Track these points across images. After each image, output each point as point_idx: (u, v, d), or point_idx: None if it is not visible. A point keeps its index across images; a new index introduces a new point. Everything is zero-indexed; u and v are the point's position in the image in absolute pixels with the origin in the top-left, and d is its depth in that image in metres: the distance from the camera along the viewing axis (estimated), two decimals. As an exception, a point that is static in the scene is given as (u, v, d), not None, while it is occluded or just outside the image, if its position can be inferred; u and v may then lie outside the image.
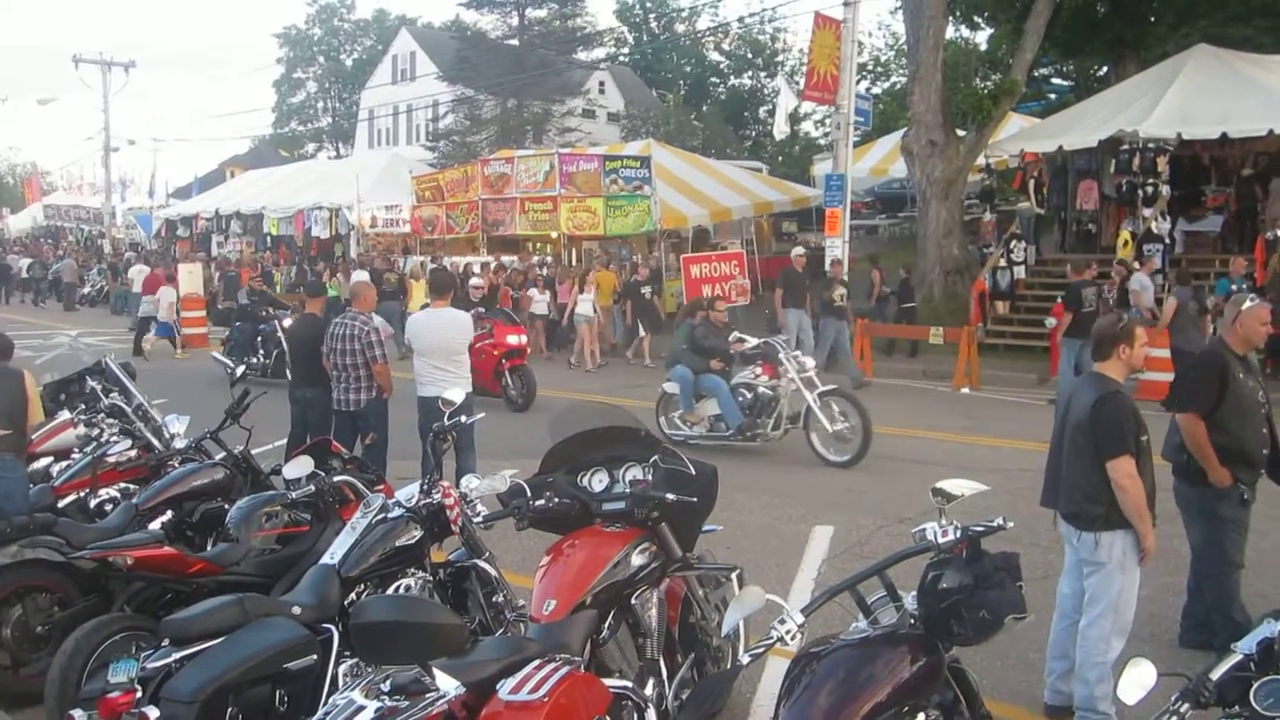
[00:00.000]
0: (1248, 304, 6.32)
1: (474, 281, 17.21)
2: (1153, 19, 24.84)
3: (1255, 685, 3.23)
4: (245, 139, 68.75)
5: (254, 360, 17.33)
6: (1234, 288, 15.41)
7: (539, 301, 21.93)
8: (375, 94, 57.77)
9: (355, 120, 62.49)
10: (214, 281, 28.17)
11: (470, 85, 46.00)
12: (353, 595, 5.16)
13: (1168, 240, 18.98)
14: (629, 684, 4.44)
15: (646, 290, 21.08)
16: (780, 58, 58.54)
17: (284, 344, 14.69)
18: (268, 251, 34.68)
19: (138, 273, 28.89)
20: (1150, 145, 18.62)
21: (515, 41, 47.08)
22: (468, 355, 9.64)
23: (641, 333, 20.44)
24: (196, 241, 38.58)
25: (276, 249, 34.60)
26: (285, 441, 9.67)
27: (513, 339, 15.54)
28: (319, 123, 70.78)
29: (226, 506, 6.45)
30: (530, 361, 16.86)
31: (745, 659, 3.76)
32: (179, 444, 7.79)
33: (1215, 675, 3.35)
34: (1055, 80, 38.07)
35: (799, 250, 19.51)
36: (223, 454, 7.33)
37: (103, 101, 43.01)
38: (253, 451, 7.43)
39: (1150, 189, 18.77)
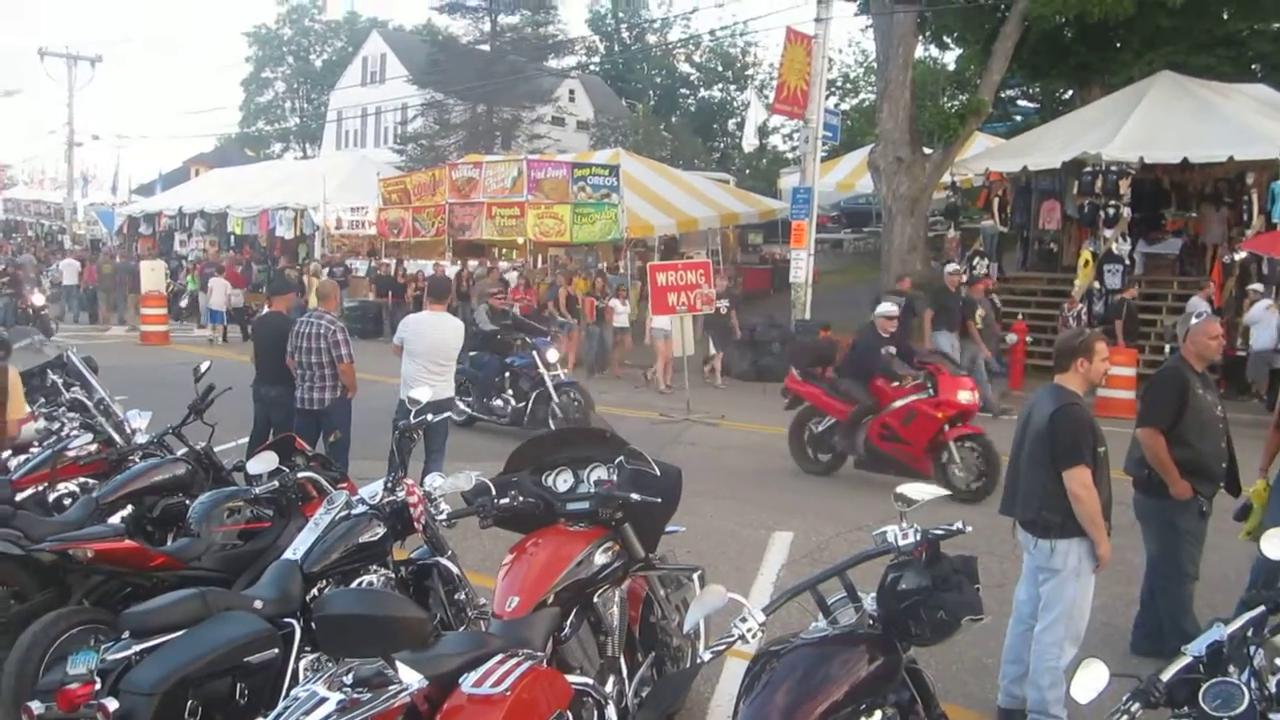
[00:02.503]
0: (1195, 320, 6.46)
1: (885, 309, 11.65)
2: (1118, 45, 25.14)
3: (1204, 687, 3.31)
4: (211, 137, 68.23)
5: (499, 403, 13.74)
6: None
7: (621, 314, 20.23)
8: (344, 95, 57.40)
9: (323, 121, 62.09)
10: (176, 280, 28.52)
11: (440, 89, 45.87)
12: (315, 591, 5.15)
13: (1128, 261, 19.25)
14: (590, 681, 4.48)
15: (723, 305, 18.94)
16: (750, 71, 58.75)
17: (546, 383, 13.16)
18: (232, 251, 34.47)
19: (67, 267, 30.56)
20: (1113, 168, 18.86)
21: (486, 47, 46.94)
22: (454, 360, 9.69)
23: (712, 350, 19.23)
24: (159, 239, 38.25)
25: (240, 249, 34.38)
26: (247, 439, 9.63)
27: (964, 396, 10.64)
28: (286, 123, 70.23)
29: (188, 502, 6.43)
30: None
31: (706, 656, 3.80)
32: (140, 439, 7.73)
33: (1166, 676, 3.43)
34: (1021, 102, 38.43)
35: (952, 267, 17.55)
36: (185, 449, 7.29)
37: (67, 95, 42.62)
38: (215, 448, 7.40)
39: (1112, 210, 19.02)
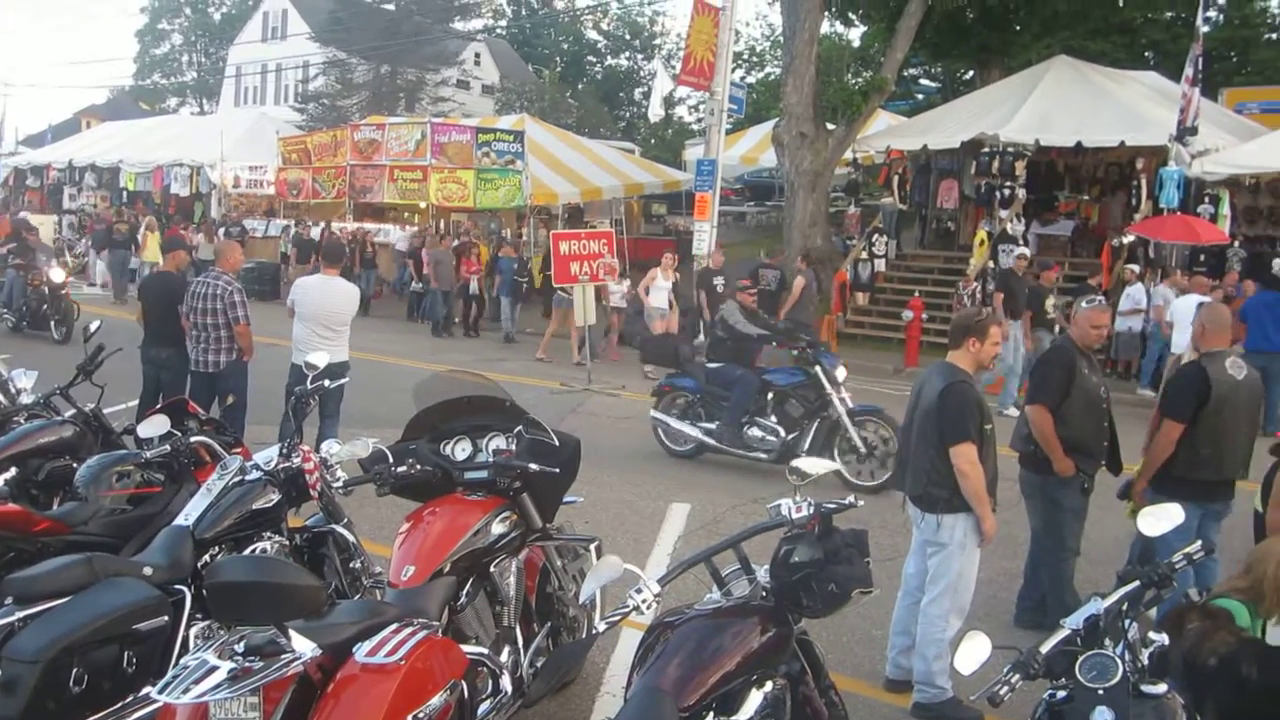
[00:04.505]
0: (1083, 305, 6.64)
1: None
2: (1018, 28, 25.67)
3: (1081, 659, 3.43)
4: (103, 89, 66.22)
5: (758, 432, 10.52)
6: None
7: (615, 292, 18.52)
8: (244, 50, 56.08)
9: (221, 77, 60.58)
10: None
11: (343, 48, 45.01)
12: (206, 558, 5.07)
13: (1021, 241, 19.70)
14: (485, 650, 4.50)
15: (719, 281, 17.06)
16: (658, 41, 58.76)
17: (836, 408, 10.13)
18: (123, 206, 33.51)
19: None
20: (1010, 149, 19.31)
21: (391, 6, 46.27)
22: (349, 325, 9.56)
23: (703, 337, 16.55)
24: (47, 193, 37.04)
25: (133, 204, 33.43)
26: (137, 402, 9.41)
27: None
28: (183, 77, 68.38)
29: (75, 465, 6.26)
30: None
31: (601, 626, 3.83)
32: (25, 399, 7.48)
33: (1045, 649, 3.54)
34: (923, 81, 39.11)
35: (1021, 251, 16.60)
36: (72, 411, 7.09)
37: (-50, 41, 40.93)
38: (104, 410, 7.21)
39: (1007, 191, 19.48)
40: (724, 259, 18.02)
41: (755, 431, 10.50)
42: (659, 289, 17.46)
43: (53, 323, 17.03)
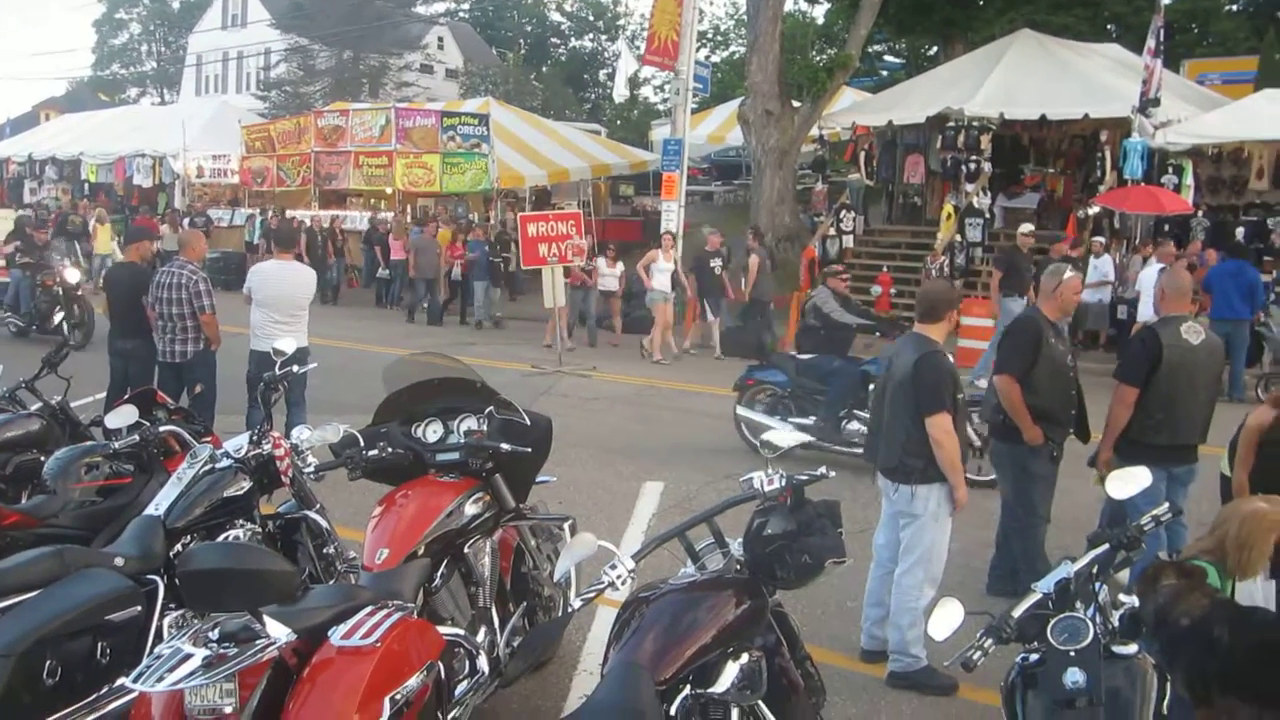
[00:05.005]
0: (1068, 275, 6.68)
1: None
2: (981, 3, 25.74)
3: (1052, 622, 3.47)
4: (62, 80, 65.42)
5: (858, 426, 9.73)
6: None
7: (608, 276, 18.24)
8: (204, 39, 55.63)
9: (182, 66, 59.98)
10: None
11: (305, 34, 44.65)
12: (179, 547, 5.04)
13: (988, 215, 19.79)
14: (461, 631, 4.49)
15: (716, 264, 16.98)
16: (622, 21, 58.56)
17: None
18: (85, 199, 33.16)
19: None
20: (975, 123, 19.35)
21: (353, -9, 45.95)
22: (307, 310, 9.50)
23: (710, 316, 16.95)
24: (7, 188, 36.61)
25: (95, 197, 33.08)
26: (105, 394, 9.34)
27: None
28: (143, 67, 67.61)
29: (43, 458, 6.22)
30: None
31: (576, 603, 3.83)
32: (-10, 394, 7.44)
33: (1017, 613, 3.59)
34: (888, 57, 39.11)
35: (1026, 228, 16.11)
36: (39, 404, 7.04)
37: (-96, 34, 40.32)
38: (71, 404, 7.16)
39: (973, 165, 19.52)
40: (720, 241, 17.43)
41: (856, 425, 9.83)
42: (661, 271, 16.96)
43: (67, 326, 16.23)
